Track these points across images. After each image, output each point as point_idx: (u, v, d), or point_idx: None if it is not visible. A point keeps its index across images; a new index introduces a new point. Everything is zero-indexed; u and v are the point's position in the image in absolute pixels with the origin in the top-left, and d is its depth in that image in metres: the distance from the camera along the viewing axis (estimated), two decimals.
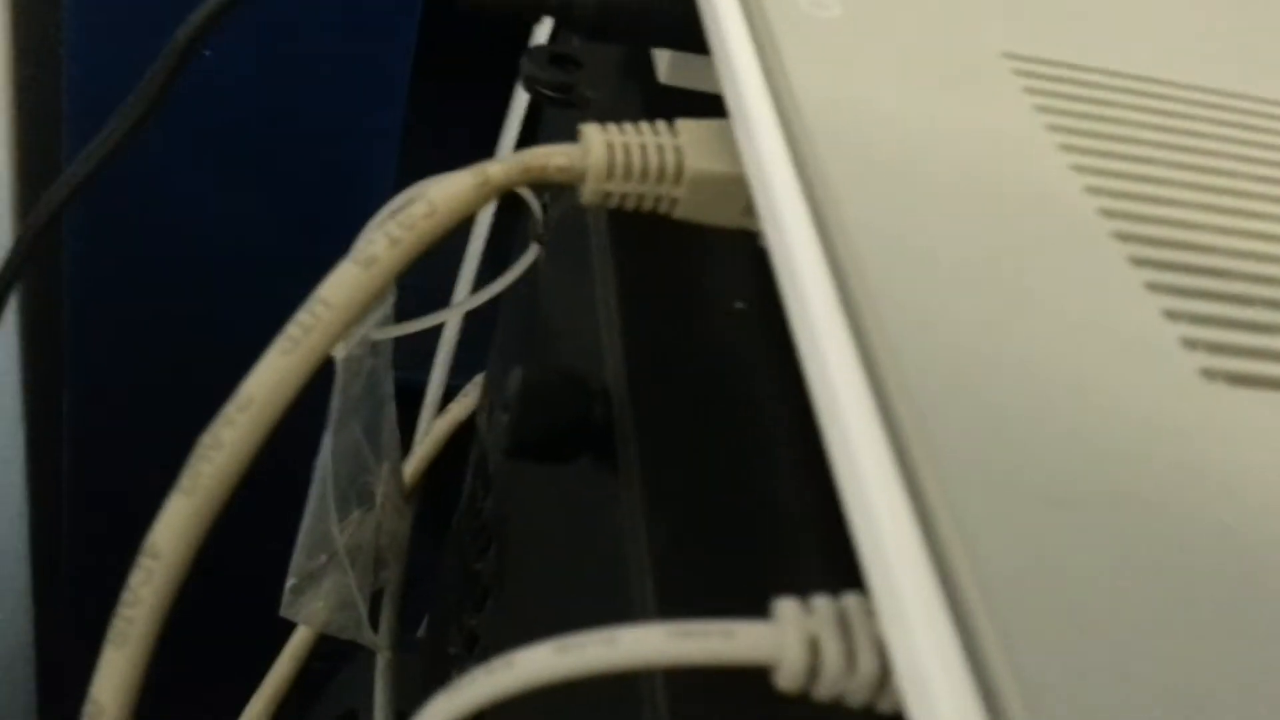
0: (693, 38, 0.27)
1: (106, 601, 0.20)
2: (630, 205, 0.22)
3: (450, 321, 0.36)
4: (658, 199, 0.22)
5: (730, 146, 0.22)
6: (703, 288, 0.24)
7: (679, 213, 0.22)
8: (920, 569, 0.13)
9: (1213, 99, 0.24)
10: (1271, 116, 0.24)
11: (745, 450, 0.21)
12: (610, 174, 0.22)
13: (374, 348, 0.36)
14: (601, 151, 0.22)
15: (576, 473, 0.23)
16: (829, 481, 0.15)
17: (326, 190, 0.66)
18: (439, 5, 0.61)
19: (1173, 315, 0.18)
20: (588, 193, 0.22)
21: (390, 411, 0.39)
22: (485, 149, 0.49)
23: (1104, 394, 0.16)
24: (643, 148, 0.22)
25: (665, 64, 0.29)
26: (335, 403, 0.35)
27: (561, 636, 0.15)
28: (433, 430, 0.47)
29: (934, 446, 0.14)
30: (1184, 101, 0.24)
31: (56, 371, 0.68)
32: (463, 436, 0.48)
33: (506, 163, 0.21)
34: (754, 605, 0.15)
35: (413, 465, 0.47)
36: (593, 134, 0.22)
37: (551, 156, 0.22)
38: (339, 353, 0.35)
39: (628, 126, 0.22)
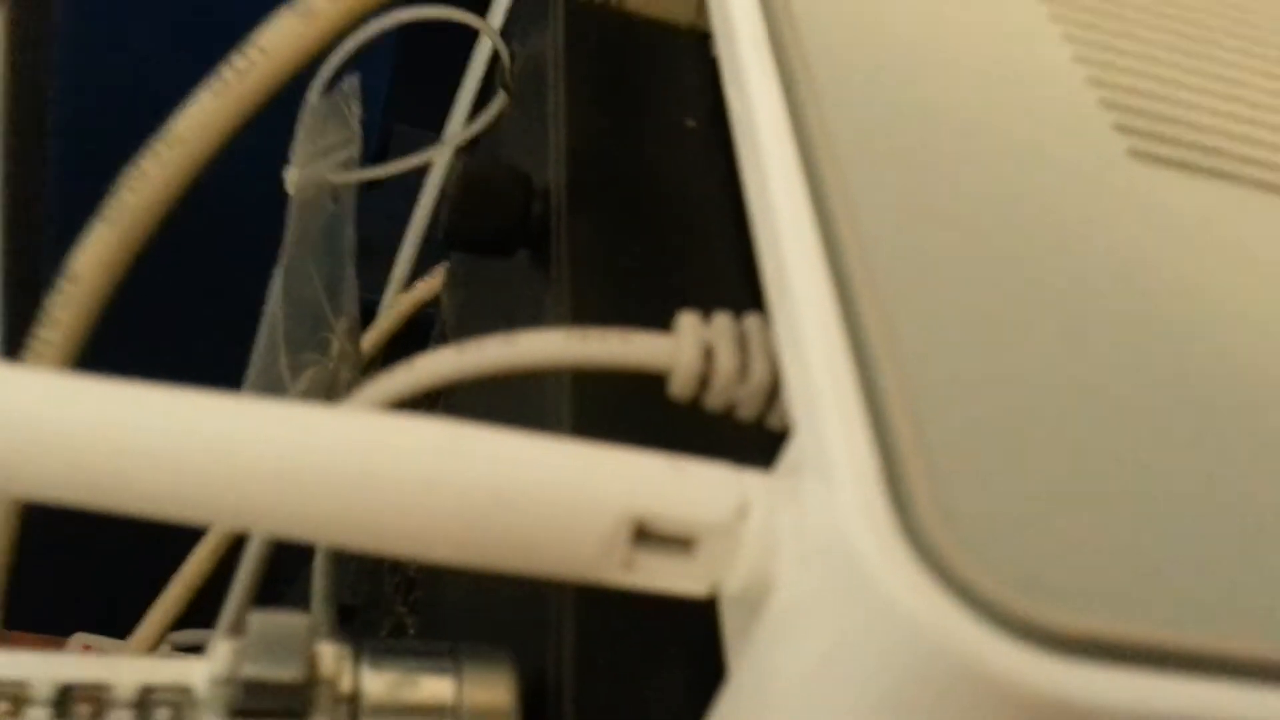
0: None
1: None
2: None
3: (436, 168, 0.36)
4: None
5: None
6: (656, 102, 0.25)
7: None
8: (819, 277, 0.13)
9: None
10: None
11: (672, 249, 0.22)
12: None
13: (335, 193, 0.36)
14: None
15: (513, 272, 0.24)
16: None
17: None
18: None
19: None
20: None
21: (349, 267, 0.39)
22: None
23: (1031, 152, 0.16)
24: None
25: None
26: (288, 238, 0.35)
27: (463, 342, 0.15)
28: (397, 304, 0.47)
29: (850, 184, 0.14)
30: None
31: None
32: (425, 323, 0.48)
33: None
34: None
35: (373, 337, 0.47)
36: None
37: None
38: (291, 189, 0.35)
39: None
